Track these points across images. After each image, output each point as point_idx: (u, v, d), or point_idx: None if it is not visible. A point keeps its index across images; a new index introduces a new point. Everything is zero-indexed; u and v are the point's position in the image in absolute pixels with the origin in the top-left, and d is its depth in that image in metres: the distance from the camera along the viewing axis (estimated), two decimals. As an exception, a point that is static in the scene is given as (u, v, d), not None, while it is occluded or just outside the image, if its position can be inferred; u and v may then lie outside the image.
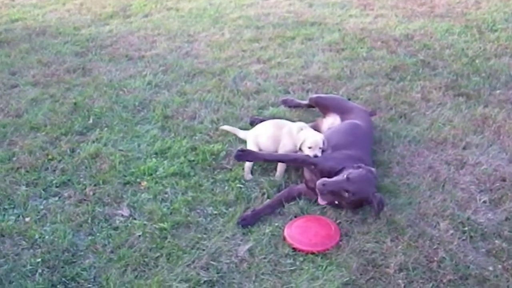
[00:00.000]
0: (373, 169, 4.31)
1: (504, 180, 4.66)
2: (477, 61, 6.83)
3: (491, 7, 8.86)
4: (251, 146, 4.86)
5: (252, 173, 4.74)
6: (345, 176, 4.15)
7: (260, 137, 4.90)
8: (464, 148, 5.08)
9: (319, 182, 4.19)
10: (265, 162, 4.80)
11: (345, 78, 6.43)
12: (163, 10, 9.25)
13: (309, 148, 4.58)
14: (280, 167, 4.72)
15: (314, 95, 5.62)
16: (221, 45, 7.57)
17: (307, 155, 4.56)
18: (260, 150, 4.83)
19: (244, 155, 4.66)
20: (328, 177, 4.26)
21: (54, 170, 4.84)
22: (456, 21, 8.26)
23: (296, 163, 4.69)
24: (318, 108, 5.49)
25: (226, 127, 5.31)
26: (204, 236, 4.07)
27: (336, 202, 4.23)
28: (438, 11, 8.75)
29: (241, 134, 5.16)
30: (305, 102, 5.69)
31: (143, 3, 9.60)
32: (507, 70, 6.55)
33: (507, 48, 7.21)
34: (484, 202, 4.42)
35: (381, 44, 7.43)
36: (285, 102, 5.85)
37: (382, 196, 4.16)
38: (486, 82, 6.26)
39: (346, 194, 4.13)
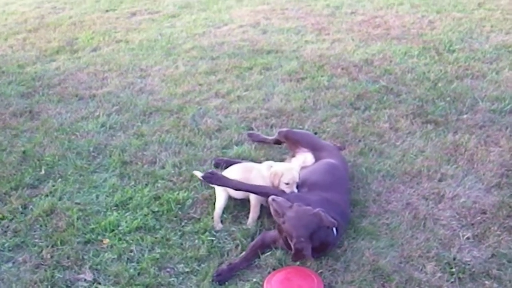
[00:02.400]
0: (334, 221, 3.93)
1: (484, 212, 4.50)
2: (439, 84, 6.71)
3: (445, 26, 8.81)
4: (220, 194, 4.55)
5: (222, 222, 4.43)
6: (291, 204, 3.96)
7: None
8: (439, 180, 4.90)
9: (272, 196, 4.07)
10: (236, 190, 4.50)
11: (309, 110, 6.21)
12: (112, 43, 8.88)
13: (286, 184, 4.35)
14: (253, 212, 4.44)
15: (284, 129, 5.33)
16: (176, 79, 7.26)
17: (282, 191, 4.32)
18: (231, 197, 4.55)
19: (213, 178, 4.44)
20: None
21: (6, 231, 4.45)
22: (413, 42, 8.16)
23: (267, 196, 4.32)
24: (287, 143, 5.23)
25: (196, 173, 4.96)
26: (177, 299, 3.76)
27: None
28: (394, 33, 8.65)
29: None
30: (272, 137, 5.43)
31: (90, 36, 9.21)
32: (470, 92, 6.44)
33: (467, 69, 7.12)
34: (468, 238, 4.23)
35: (341, 71, 7.24)
36: (251, 136, 5.61)
37: (307, 247, 3.81)
38: (452, 107, 6.13)
39: (281, 219, 3.94)
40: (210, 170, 4.56)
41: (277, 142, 5.36)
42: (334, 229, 3.99)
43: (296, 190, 4.37)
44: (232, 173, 4.65)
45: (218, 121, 6.05)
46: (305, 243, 3.80)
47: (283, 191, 4.33)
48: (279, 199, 4.05)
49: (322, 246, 3.96)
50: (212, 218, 4.45)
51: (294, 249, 3.82)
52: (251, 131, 5.71)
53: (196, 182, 4.92)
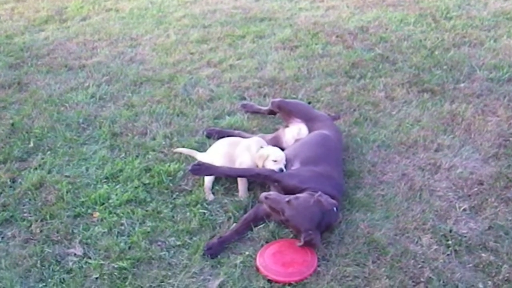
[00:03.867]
0: (332, 201, 3.86)
1: (481, 183, 4.43)
2: (436, 52, 6.58)
3: (442, -7, 8.66)
4: None
5: (213, 193, 4.35)
6: (287, 198, 3.83)
7: (214, 157, 4.52)
8: (436, 151, 4.82)
9: (263, 194, 3.95)
10: (225, 177, 4.43)
11: (302, 79, 6.08)
12: (102, 12, 8.68)
13: (274, 161, 4.26)
14: (241, 185, 4.36)
15: (277, 99, 5.21)
16: (167, 48, 7.10)
17: (272, 170, 4.23)
18: None
19: (201, 169, 4.30)
20: (293, 193, 3.96)
21: (-6, 206, 4.36)
22: (409, 10, 8.00)
23: (259, 178, 4.33)
24: (281, 113, 5.13)
25: (181, 149, 4.86)
26: (169, 273, 3.69)
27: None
28: (390, 0, 8.47)
29: (199, 156, 4.72)
30: (266, 107, 5.32)
31: (79, 5, 8.98)
32: (468, 61, 6.32)
33: (464, 37, 6.99)
34: (464, 210, 4.17)
35: (336, 38, 7.10)
36: (244, 107, 5.50)
37: (316, 237, 3.73)
38: (449, 75, 6.02)
39: (282, 216, 3.83)
40: (196, 162, 4.39)
41: (271, 112, 5.25)
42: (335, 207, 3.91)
43: (284, 168, 4.28)
44: (218, 147, 4.58)
45: (210, 91, 5.92)
46: (313, 234, 3.72)
47: (274, 171, 4.23)
48: (272, 195, 3.94)
49: (328, 228, 3.89)
50: (204, 190, 4.36)
51: (304, 241, 3.72)
52: (244, 102, 5.60)
53: (188, 153, 4.83)
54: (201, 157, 4.65)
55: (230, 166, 4.43)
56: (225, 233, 3.95)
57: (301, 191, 3.98)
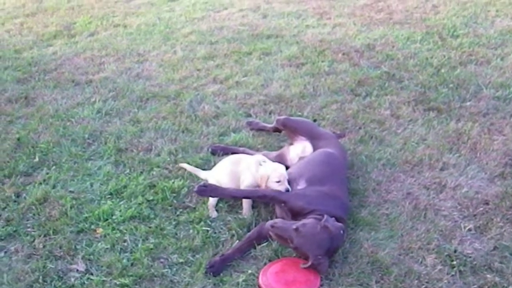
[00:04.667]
0: (339, 224, 3.83)
1: (487, 203, 4.39)
2: (443, 70, 6.57)
3: (449, 11, 8.65)
4: (213, 183, 4.43)
5: (217, 210, 4.34)
6: (294, 226, 3.78)
7: (218, 176, 4.50)
8: (441, 169, 4.79)
9: (269, 223, 3.89)
10: (231, 198, 4.41)
11: (308, 97, 6.08)
12: (110, 28, 8.74)
13: (277, 182, 4.22)
14: (246, 203, 4.34)
15: (282, 117, 5.20)
16: (174, 64, 7.13)
17: (278, 191, 4.19)
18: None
19: (207, 190, 4.25)
20: (299, 214, 3.97)
21: (-2, 220, 4.36)
22: (416, 27, 8.01)
23: (265, 200, 4.30)
24: (286, 131, 5.11)
25: (185, 166, 4.85)
26: (171, 291, 3.67)
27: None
28: (397, 17, 8.49)
29: (202, 174, 4.71)
30: (271, 125, 5.31)
31: (88, 21, 9.06)
32: (474, 79, 6.31)
33: (471, 55, 6.99)
34: (469, 230, 4.13)
35: (342, 56, 7.11)
36: (250, 124, 5.50)
37: (324, 262, 3.69)
38: (455, 94, 6.01)
39: (291, 244, 3.79)
40: (202, 183, 4.33)
41: (276, 130, 5.24)
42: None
43: (289, 186, 4.24)
44: (222, 166, 4.56)
45: (215, 108, 5.93)
46: (322, 259, 3.69)
47: (280, 192, 4.19)
48: (278, 223, 3.88)
49: (336, 251, 3.85)
50: (208, 207, 4.35)
51: (313, 266, 3.69)
52: (250, 119, 5.60)
53: (193, 169, 4.83)
54: (205, 175, 4.65)
55: (234, 184, 4.41)
56: (227, 251, 3.93)
57: (308, 213, 3.96)
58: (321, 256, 3.68)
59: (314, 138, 4.80)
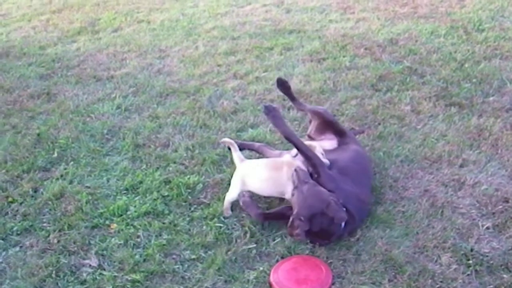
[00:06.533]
0: (342, 216, 3.76)
1: (507, 201, 4.27)
2: (466, 65, 6.44)
3: (475, 5, 8.47)
4: (235, 186, 4.23)
5: (232, 209, 4.30)
6: (308, 180, 3.88)
7: (249, 179, 4.20)
8: (461, 166, 4.69)
9: (299, 166, 4.03)
10: (283, 136, 4.33)
11: (328, 92, 6.02)
12: (134, 23, 8.79)
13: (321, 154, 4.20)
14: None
15: (321, 108, 5.05)
16: (195, 60, 7.13)
17: (323, 162, 4.14)
18: (247, 192, 4.29)
19: (270, 114, 4.28)
20: None
21: (15, 215, 4.40)
22: (441, 21, 7.87)
23: (308, 160, 4.11)
24: (317, 123, 4.79)
25: (227, 140, 4.52)
26: (182, 287, 3.65)
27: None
28: (422, 11, 8.36)
29: (236, 156, 4.40)
30: (309, 107, 5.09)
31: (112, 17, 9.14)
32: (498, 74, 6.16)
33: (496, 49, 6.83)
34: (488, 228, 4.02)
35: (364, 51, 7.02)
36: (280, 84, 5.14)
37: (303, 226, 3.69)
38: (478, 89, 5.88)
39: (293, 190, 3.89)
40: (272, 105, 4.36)
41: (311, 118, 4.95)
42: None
43: (327, 161, 4.16)
44: (255, 169, 4.23)
45: (234, 103, 5.91)
46: (301, 223, 3.68)
47: (323, 163, 4.11)
48: (302, 171, 3.93)
49: (322, 233, 3.80)
50: (223, 204, 4.31)
51: (290, 222, 3.73)
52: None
53: (208, 165, 4.82)
54: (237, 159, 4.37)
55: (273, 190, 4.19)
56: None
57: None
58: (303, 218, 3.69)
59: (342, 136, 4.68)
